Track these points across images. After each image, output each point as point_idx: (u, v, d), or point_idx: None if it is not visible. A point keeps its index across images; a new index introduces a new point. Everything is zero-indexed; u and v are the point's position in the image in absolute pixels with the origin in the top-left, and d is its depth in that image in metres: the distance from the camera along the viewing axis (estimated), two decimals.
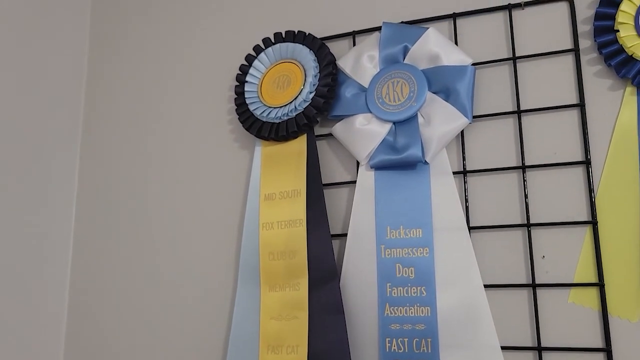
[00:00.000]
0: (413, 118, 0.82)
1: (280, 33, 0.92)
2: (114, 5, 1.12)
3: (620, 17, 0.76)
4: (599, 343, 0.72)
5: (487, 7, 0.84)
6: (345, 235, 0.84)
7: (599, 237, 0.74)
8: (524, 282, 0.76)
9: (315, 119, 0.86)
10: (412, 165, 0.81)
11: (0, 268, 0.92)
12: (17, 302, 0.94)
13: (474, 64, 0.81)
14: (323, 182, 0.86)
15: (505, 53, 0.82)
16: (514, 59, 0.81)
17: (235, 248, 0.92)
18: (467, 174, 0.81)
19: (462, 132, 0.81)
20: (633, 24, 0.75)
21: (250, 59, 0.93)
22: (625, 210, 0.74)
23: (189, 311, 0.94)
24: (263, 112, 0.89)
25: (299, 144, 0.88)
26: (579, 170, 0.77)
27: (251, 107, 0.90)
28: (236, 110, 0.92)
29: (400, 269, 0.79)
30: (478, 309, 0.75)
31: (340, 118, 0.87)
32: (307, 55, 0.89)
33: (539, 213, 0.77)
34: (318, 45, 0.89)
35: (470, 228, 0.79)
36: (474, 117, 0.81)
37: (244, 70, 0.93)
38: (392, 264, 0.80)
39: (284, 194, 0.87)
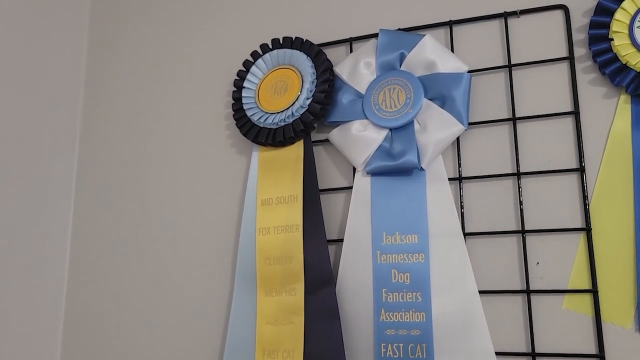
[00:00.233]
0: (409, 125, 0.82)
1: (278, 39, 0.93)
2: (113, 7, 1.13)
3: (614, 26, 0.76)
4: (592, 349, 0.73)
5: (483, 14, 0.84)
6: (342, 240, 0.84)
7: (592, 244, 0.74)
8: (518, 288, 0.77)
9: (312, 124, 0.86)
10: (408, 171, 0.81)
11: None
12: (14, 303, 0.95)
13: (469, 71, 0.82)
14: (320, 188, 0.87)
15: (501, 60, 0.83)
16: (510, 66, 0.82)
17: (231, 253, 0.92)
18: (463, 180, 0.82)
19: (457, 138, 0.82)
20: (627, 32, 0.76)
21: (247, 65, 0.94)
22: (618, 218, 0.74)
23: (185, 315, 0.94)
24: (260, 117, 0.89)
25: (296, 150, 0.88)
26: (574, 178, 0.77)
27: (248, 113, 0.91)
28: (233, 115, 0.93)
29: (396, 274, 0.80)
30: (473, 315, 0.76)
31: (337, 124, 0.87)
32: (304, 62, 0.89)
33: (533, 220, 0.78)
34: (315, 52, 0.89)
35: (465, 234, 0.79)
36: (470, 124, 0.81)
37: (241, 75, 0.94)
38: (388, 269, 0.80)
39: (280, 199, 0.87)
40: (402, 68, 0.85)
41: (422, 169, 0.81)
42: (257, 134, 0.89)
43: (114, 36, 1.11)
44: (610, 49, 0.76)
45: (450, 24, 0.86)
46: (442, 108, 0.80)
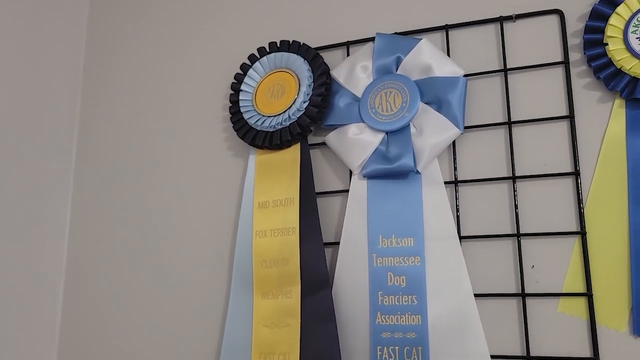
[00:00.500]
0: (405, 128, 0.82)
1: (275, 42, 0.93)
2: (111, 10, 1.13)
3: (609, 31, 0.77)
4: (587, 352, 0.73)
5: (479, 19, 0.85)
6: (338, 243, 0.84)
7: (587, 247, 0.75)
8: (513, 291, 0.77)
9: (308, 128, 0.87)
10: (404, 174, 0.82)
11: None
12: (13, 302, 0.95)
13: (465, 75, 0.82)
14: (316, 191, 0.87)
15: (497, 65, 0.84)
16: (505, 70, 0.82)
17: (228, 255, 0.93)
18: (458, 183, 0.82)
19: (453, 142, 0.82)
20: (622, 37, 0.76)
21: (245, 68, 0.94)
22: (613, 221, 0.75)
23: (181, 317, 0.94)
24: (257, 120, 0.89)
25: (293, 153, 0.88)
26: (569, 181, 0.78)
27: (246, 116, 0.91)
28: (231, 118, 0.93)
29: (392, 277, 0.80)
30: (468, 318, 0.76)
31: (333, 127, 0.88)
32: (301, 65, 0.89)
33: (528, 223, 0.78)
34: (312, 55, 0.90)
35: (461, 237, 0.80)
36: (466, 127, 0.81)
37: (238, 79, 0.94)
38: (384, 272, 0.80)
39: (277, 202, 0.87)
40: (399, 72, 0.85)
41: (418, 172, 0.81)
42: (254, 137, 0.89)
43: (112, 38, 1.12)
44: (605, 54, 0.77)
45: (446, 28, 0.86)
46: (438, 112, 0.81)
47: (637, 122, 0.75)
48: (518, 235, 0.78)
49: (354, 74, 0.87)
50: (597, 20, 0.78)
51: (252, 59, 0.94)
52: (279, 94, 0.90)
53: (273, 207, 0.87)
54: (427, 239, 0.79)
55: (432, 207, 0.80)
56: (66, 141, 1.08)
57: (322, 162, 0.90)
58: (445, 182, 0.81)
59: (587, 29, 0.79)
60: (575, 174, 0.77)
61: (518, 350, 0.76)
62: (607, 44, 0.77)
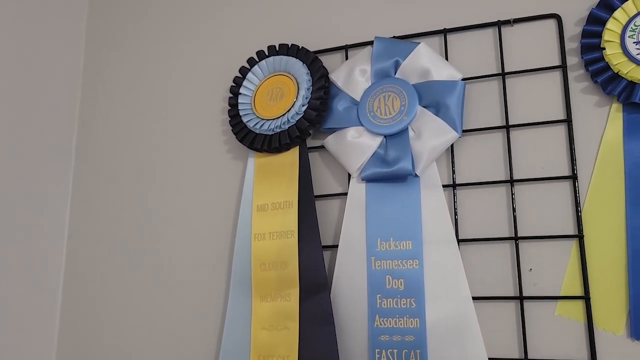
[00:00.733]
0: (404, 132, 0.83)
1: (274, 46, 0.94)
2: (110, 12, 1.13)
3: (606, 35, 0.77)
4: (584, 355, 0.73)
5: (477, 23, 0.85)
6: (336, 246, 0.84)
7: (585, 250, 0.75)
8: (511, 294, 0.78)
9: (307, 131, 0.87)
10: (403, 178, 0.82)
11: None
12: (11, 302, 0.95)
13: (463, 79, 0.82)
14: (315, 194, 0.87)
15: (495, 69, 0.84)
16: (503, 74, 0.83)
17: (227, 258, 0.93)
18: (457, 187, 0.82)
19: (451, 146, 0.83)
20: (619, 42, 0.76)
21: (244, 71, 0.95)
22: (611, 225, 0.75)
23: (180, 321, 0.94)
24: (256, 124, 0.90)
25: (292, 156, 0.89)
26: (566, 185, 0.78)
27: (244, 119, 0.91)
28: (229, 121, 0.93)
29: (390, 280, 0.80)
30: (466, 321, 0.76)
31: (332, 131, 0.88)
32: (300, 68, 0.90)
33: (526, 226, 0.78)
34: (311, 59, 0.90)
35: (459, 241, 0.80)
36: (464, 131, 0.82)
37: (237, 82, 0.94)
38: (382, 275, 0.81)
39: (276, 205, 0.88)
40: (397, 75, 0.86)
41: (416, 175, 0.81)
42: (252, 140, 0.90)
43: (111, 38, 1.12)
44: (602, 58, 0.77)
45: (444, 32, 0.87)
46: (436, 115, 0.81)
47: (634, 126, 0.76)
48: (516, 238, 0.78)
49: (353, 77, 0.88)
50: (594, 25, 0.79)
51: (251, 62, 0.94)
52: (278, 97, 0.90)
53: (272, 210, 0.87)
54: (425, 242, 0.80)
55: (431, 211, 0.81)
56: (65, 142, 1.08)
57: (320, 165, 0.91)
58: (444, 186, 0.82)
59: (585, 34, 0.79)
60: (573, 177, 0.77)
61: (516, 353, 0.76)
62: (604, 48, 0.77)
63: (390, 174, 0.81)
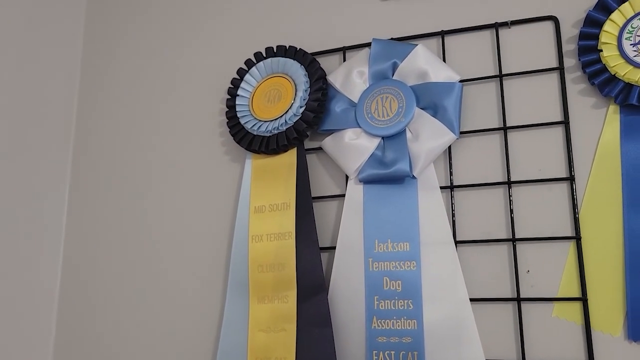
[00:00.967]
0: (401, 133, 0.83)
1: (272, 48, 0.94)
2: (108, 14, 1.13)
3: (603, 37, 0.77)
4: (582, 357, 0.73)
5: (475, 25, 0.85)
6: (334, 248, 0.84)
7: (582, 252, 0.75)
8: (509, 296, 0.78)
9: (305, 133, 0.87)
10: (400, 179, 0.82)
11: None
12: (7, 302, 0.95)
13: (461, 81, 0.83)
14: (312, 195, 0.87)
15: (492, 70, 0.84)
16: (501, 76, 0.83)
17: (224, 260, 0.93)
18: (454, 188, 0.82)
19: (449, 147, 0.83)
20: (616, 44, 0.77)
21: (241, 73, 0.95)
22: (608, 226, 0.75)
23: (177, 322, 0.94)
24: (254, 125, 0.90)
25: (289, 158, 0.89)
26: (563, 187, 0.78)
27: (242, 121, 0.91)
28: (227, 123, 0.93)
29: (388, 282, 0.80)
30: (464, 323, 0.76)
31: (330, 132, 0.88)
32: (298, 70, 0.90)
33: (524, 228, 0.78)
34: (309, 60, 0.90)
35: (456, 242, 0.80)
36: (461, 133, 0.82)
37: (235, 83, 0.94)
38: (380, 277, 0.81)
39: (273, 206, 0.88)
40: (395, 77, 0.86)
41: (414, 177, 0.81)
42: (250, 142, 0.90)
43: (108, 43, 1.12)
44: (599, 60, 0.77)
45: (442, 34, 0.87)
46: (434, 117, 0.81)
47: (631, 128, 0.76)
48: (513, 240, 0.78)
49: (350, 79, 0.88)
50: (591, 27, 0.79)
51: (249, 63, 0.94)
52: (276, 99, 0.90)
53: (269, 211, 0.87)
54: (422, 244, 0.80)
55: (428, 212, 0.81)
56: (62, 143, 1.08)
57: (318, 166, 0.91)
58: (441, 187, 0.82)
59: (582, 36, 0.79)
60: (570, 179, 0.77)
61: (513, 355, 0.76)
62: (601, 50, 0.77)
63: (388, 175, 0.81)
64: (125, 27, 1.11)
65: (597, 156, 0.77)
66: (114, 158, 1.05)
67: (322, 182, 0.90)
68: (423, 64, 0.84)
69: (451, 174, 0.83)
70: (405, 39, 0.89)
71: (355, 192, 0.85)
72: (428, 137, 0.81)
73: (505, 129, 0.81)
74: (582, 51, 0.79)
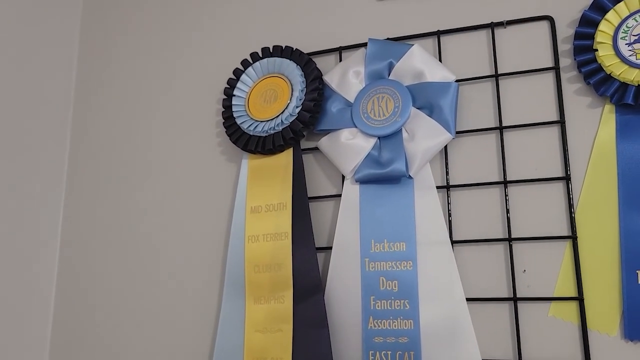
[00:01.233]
0: (397, 133, 0.83)
1: (268, 48, 0.94)
2: (104, 15, 1.13)
3: (599, 37, 0.77)
4: (578, 357, 0.73)
5: (471, 25, 0.86)
6: (330, 248, 0.84)
7: (578, 251, 0.75)
8: (505, 295, 0.77)
9: (301, 133, 0.87)
10: (397, 179, 0.82)
11: None
12: (4, 307, 0.94)
13: (457, 81, 0.83)
14: (309, 195, 0.87)
15: (488, 70, 0.84)
16: (496, 76, 0.83)
17: (220, 260, 0.92)
18: (450, 188, 0.82)
19: (445, 147, 0.83)
20: (611, 43, 0.77)
21: (238, 73, 0.94)
22: (604, 226, 0.75)
23: (173, 323, 0.94)
24: (250, 125, 0.90)
25: (285, 158, 0.89)
26: (559, 186, 0.78)
27: (238, 121, 0.91)
28: (223, 123, 0.93)
29: (384, 282, 0.80)
30: (460, 322, 0.76)
31: (326, 132, 0.88)
32: (294, 70, 0.90)
33: (520, 228, 0.78)
34: (305, 61, 0.90)
35: (453, 242, 0.80)
36: (457, 132, 0.82)
37: (231, 83, 0.94)
38: (376, 277, 0.80)
39: (270, 206, 0.87)
40: (391, 77, 0.86)
41: (410, 177, 0.81)
42: (246, 142, 0.89)
43: (104, 43, 1.12)
44: (595, 60, 0.77)
45: (438, 34, 0.87)
46: (430, 117, 0.81)
47: (626, 127, 0.76)
48: (509, 239, 0.78)
49: (347, 79, 0.88)
50: (587, 27, 0.79)
51: (245, 64, 0.94)
52: (272, 99, 0.90)
53: (265, 211, 0.87)
54: (419, 244, 0.80)
55: (424, 212, 0.81)
56: (58, 144, 1.08)
57: (314, 166, 0.90)
58: (437, 187, 0.82)
59: (577, 35, 0.79)
60: (566, 178, 0.77)
61: (510, 355, 0.76)
62: (597, 50, 0.77)
63: (384, 175, 0.81)
64: (121, 27, 1.11)
65: (593, 155, 0.77)
66: (110, 158, 1.05)
67: (318, 182, 0.90)
68: (419, 63, 0.84)
69: (447, 173, 0.83)
70: (401, 39, 0.89)
71: (351, 192, 0.85)
72: (424, 136, 0.81)
73: (501, 128, 0.81)
74: (577, 51, 0.79)
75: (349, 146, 0.85)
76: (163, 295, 0.95)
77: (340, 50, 0.92)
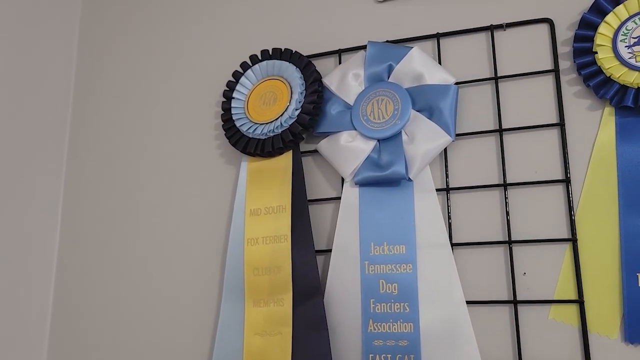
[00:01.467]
0: (397, 136, 0.83)
1: (267, 50, 0.94)
2: (103, 15, 1.13)
3: (598, 40, 0.77)
4: (578, 359, 0.73)
5: (470, 27, 0.86)
6: (330, 251, 0.84)
7: (578, 254, 0.75)
8: (505, 298, 0.77)
9: (300, 135, 0.87)
10: (396, 182, 0.82)
11: None
12: (1, 304, 0.94)
13: (456, 83, 0.83)
14: (308, 198, 0.87)
15: (487, 73, 0.84)
16: (496, 78, 0.83)
17: (220, 263, 0.92)
18: (450, 191, 0.82)
19: (445, 150, 0.82)
20: (611, 46, 0.77)
21: (237, 76, 0.94)
22: (604, 228, 0.75)
23: (172, 326, 0.93)
24: (249, 128, 0.89)
25: (285, 160, 0.88)
26: (559, 189, 0.78)
27: (237, 123, 0.91)
28: (223, 126, 0.93)
29: (384, 285, 0.80)
30: (460, 325, 0.76)
31: (325, 135, 0.88)
32: (293, 73, 0.90)
33: (520, 230, 0.78)
34: (304, 63, 0.90)
35: (452, 245, 0.80)
36: (457, 135, 0.82)
37: (231, 86, 0.94)
38: (376, 280, 0.80)
39: (269, 209, 0.87)
40: (390, 80, 0.86)
41: (409, 179, 0.81)
42: (246, 145, 0.89)
43: (103, 45, 1.12)
44: (594, 62, 0.77)
45: (437, 36, 0.87)
46: (429, 119, 0.81)
47: (626, 130, 0.76)
48: (509, 242, 0.78)
49: (346, 81, 0.88)
50: (586, 29, 0.79)
51: (244, 66, 0.94)
52: (271, 102, 0.90)
53: (265, 214, 0.87)
54: (419, 247, 0.79)
55: (424, 215, 0.80)
56: (57, 145, 1.08)
57: (314, 169, 0.90)
58: (437, 190, 0.82)
59: (577, 38, 0.79)
60: (566, 181, 0.77)
61: (510, 358, 0.76)
62: (596, 53, 0.77)
63: (384, 178, 0.81)
64: (120, 29, 1.11)
65: (593, 158, 0.77)
66: (108, 160, 1.05)
67: (317, 185, 0.89)
68: (418, 66, 0.84)
69: (447, 176, 0.83)
70: (401, 42, 0.89)
71: (351, 194, 0.85)
72: (424, 139, 0.81)
73: (500, 131, 0.81)
74: (577, 53, 0.79)
75: (349, 149, 0.84)
76: (162, 298, 0.95)
77: (339, 52, 0.92)
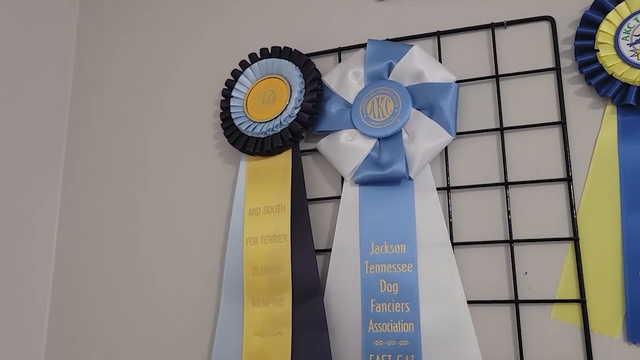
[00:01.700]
0: (397, 134, 0.82)
1: (267, 48, 0.93)
2: (102, 16, 1.13)
3: (600, 37, 0.77)
4: (581, 359, 0.73)
5: (471, 25, 0.85)
6: (330, 250, 0.84)
7: (580, 253, 0.74)
8: (506, 298, 0.77)
9: (300, 134, 0.86)
10: (397, 181, 0.81)
11: None
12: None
13: (457, 82, 0.82)
14: (308, 197, 0.86)
15: (488, 71, 0.84)
16: (497, 77, 0.82)
17: (219, 263, 0.92)
18: (451, 190, 0.82)
19: (445, 148, 0.82)
20: (612, 44, 0.76)
21: (236, 74, 0.94)
22: (606, 227, 0.75)
23: (171, 326, 0.93)
24: (248, 127, 0.89)
25: (284, 159, 0.88)
26: (561, 187, 0.77)
27: (237, 122, 0.90)
28: (222, 124, 0.92)
29: (384, 284, 0.79)
30: (461, 325, 0.75)
31: (325, 133, 0.87)
32: (292, 71, 0.89)
33: (521, 229, 0.78)
34: (304, 61, 0.89)
35: (453, 244, 0.79)
36: (458, 133, 0.81)
37: (230, 85, 0.94)
38: (376, 279, 0.80)
39: (268, 208, 0.87)
40: (391, 78, 0.85)
41: (410, 178, 0.80)
42: (245, 143, 0.89)
43: (101, 44, 1.11)
44: (596, 60, 0.77)
45: (438, 34, 0.86)
46: (430, 118, 0.81)
47: (628, 128, 0.75)
48: (511, 241, 0.77)
49: (346, 80, 0.87)
50: (588, 27, 0.78)
51: (244, 65, 0.94)
52: (270, 100, 0.89)
53: (264, 213, 0.87)
54: (419, 246, 0.79)
55: (425, 214, 0.80)
56: (55, 145, 1.07)
57: (313, 168, 0.90)
58: (438, 189, 0.81)
59: (578, 36, 0.79)
60: (568, 179, 0.77)
61: (511, 357, 0.75)
62: (598, 50, 0.77)
63: (384, 177, 0.81)
64: (118, 28, 1.11)
65: (595, 157, 0.77)
66: (107, 159, 1.04)
67: (317, 184, 0.89)
68: (419, 64, 0.83)
69: (448, 175, 0.82)
70: (401, 40, 0.88)
71: (350, 193, 0.84)
72: (424, 138, 0.80)
73: (502, 129, 0.81)
74: (578, 51, 0.79)
75: (349, 147, 0.84)
76: (160, 298, 0.94)
77: (339, 51, 0.91)
